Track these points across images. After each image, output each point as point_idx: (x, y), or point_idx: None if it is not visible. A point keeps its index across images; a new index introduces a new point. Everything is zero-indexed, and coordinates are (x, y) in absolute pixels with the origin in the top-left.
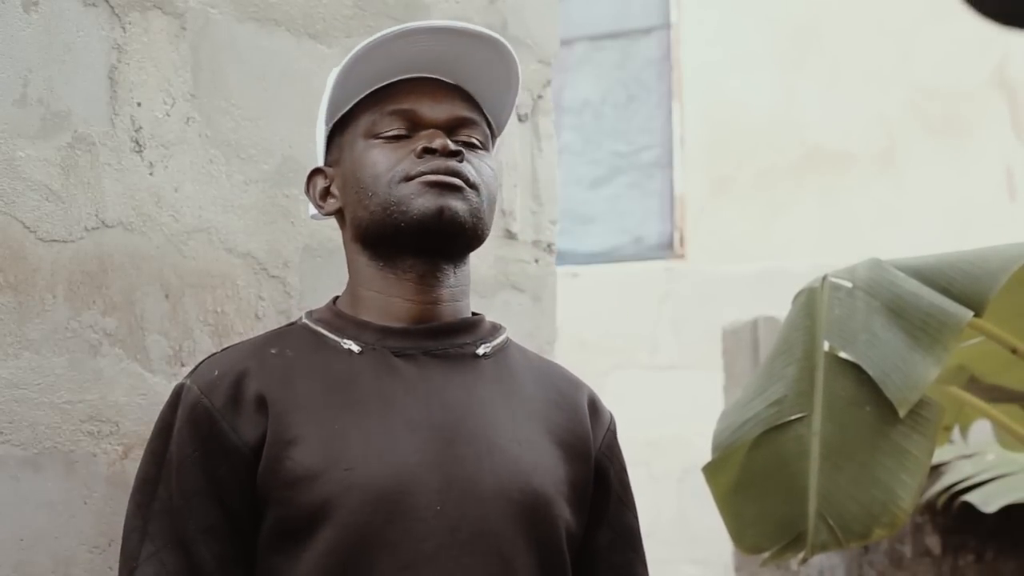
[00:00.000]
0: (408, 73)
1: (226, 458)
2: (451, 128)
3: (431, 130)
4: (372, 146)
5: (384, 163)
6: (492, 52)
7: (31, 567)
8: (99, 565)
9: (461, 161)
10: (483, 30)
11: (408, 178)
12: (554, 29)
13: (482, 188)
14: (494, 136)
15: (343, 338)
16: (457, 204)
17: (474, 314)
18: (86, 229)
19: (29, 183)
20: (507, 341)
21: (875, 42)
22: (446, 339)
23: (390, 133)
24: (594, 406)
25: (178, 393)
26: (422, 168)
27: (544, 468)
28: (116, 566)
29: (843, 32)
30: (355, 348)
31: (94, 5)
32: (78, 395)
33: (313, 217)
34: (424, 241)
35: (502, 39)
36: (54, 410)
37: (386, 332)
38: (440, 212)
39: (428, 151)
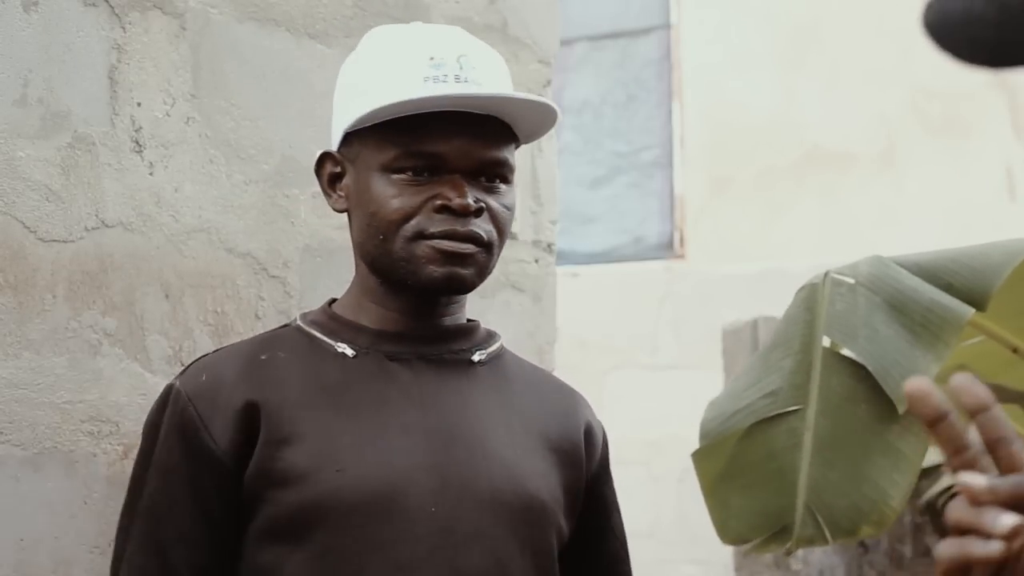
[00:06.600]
0: (440, 107)
1: (209, 468)
2: (476, 172)
3: (454, 177)
4: (390, 183)
5: (400, 209)
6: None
7: (31, 567)
8: (99, 565)
9: (479, 215)
10: (529, 97)
11: (422, 235)
12: (554, 29)
13: (495, 242)
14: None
15: (337, 341)
16: (466, 272)
17: (469, 320)
18: (86, 229)
19: (29, 183)
20: (502, 348)
21: (875, 42)
22: (442, 345)
23: (410, 174)
24: (587, 414)
25: (167, 394)
26: (436, 230)
27: (539, 474)
28: None
29: (843, 32)
30: (349, 352)
31: (94, 5)
32: (78, 395)
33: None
34: (427, 295)
35: (548, 102)
36: (54, 410)
37: (381, 336)
38: (448, 280)
39: (446, 208)
